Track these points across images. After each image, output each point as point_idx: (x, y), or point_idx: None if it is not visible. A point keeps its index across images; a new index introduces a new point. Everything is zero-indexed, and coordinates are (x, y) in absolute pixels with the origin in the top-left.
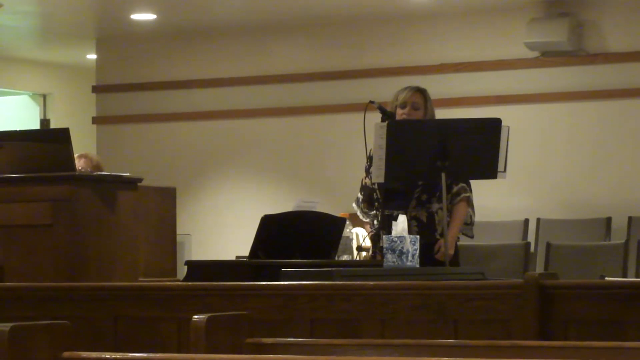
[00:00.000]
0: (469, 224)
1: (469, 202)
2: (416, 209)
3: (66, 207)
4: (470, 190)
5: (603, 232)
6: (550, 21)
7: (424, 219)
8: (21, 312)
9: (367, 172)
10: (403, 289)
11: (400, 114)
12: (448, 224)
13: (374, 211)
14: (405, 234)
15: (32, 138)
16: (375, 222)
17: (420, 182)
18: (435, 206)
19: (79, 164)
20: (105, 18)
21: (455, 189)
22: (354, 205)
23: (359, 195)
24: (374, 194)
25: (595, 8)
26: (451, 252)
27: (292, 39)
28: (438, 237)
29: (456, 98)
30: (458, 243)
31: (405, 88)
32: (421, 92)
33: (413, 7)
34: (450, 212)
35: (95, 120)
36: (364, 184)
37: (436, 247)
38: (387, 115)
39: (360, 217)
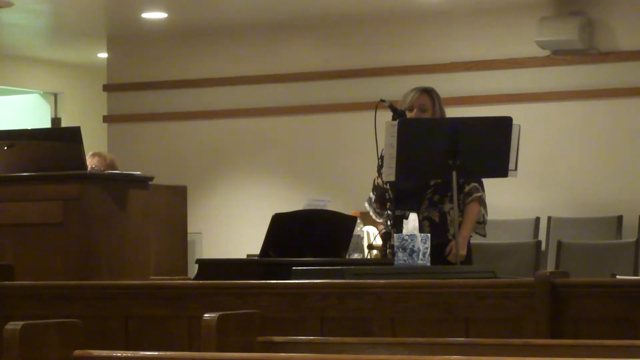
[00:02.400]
0: (481, 222)
1: (481, 202)
2: (428, 209)
3: (77, 206)
4: (483, 190)
5: (614, 230)
6: (561, 20)
7: (436, 219)
8: (32, 311)
9: (379, 171)
10: (414, 288)
11: (408, 117)
12: (460, 224)
13: (387, 211)
14: (416, 232)
15: (43, 137)
16: (389, 222)
17: (432, 183)
18: (447, 206)
19: (93, 162)
20: (116, 17)
21: (467, 188)
22: (366, 204)
23: (371, 195)
24: (386, 194)
25: (606, 6)
26: (463, 252)
27: (303, 38)
28: (450, 237)
29: (467, 96)
30: (471, 241)
31: (412, 90)
32: (427, 92)
33: (424, 5)
34: (462, 212)
35: (106, 119)
36: (376, 183)
37: (447, 248)
38: (398, 114)
39: (373, 217)
